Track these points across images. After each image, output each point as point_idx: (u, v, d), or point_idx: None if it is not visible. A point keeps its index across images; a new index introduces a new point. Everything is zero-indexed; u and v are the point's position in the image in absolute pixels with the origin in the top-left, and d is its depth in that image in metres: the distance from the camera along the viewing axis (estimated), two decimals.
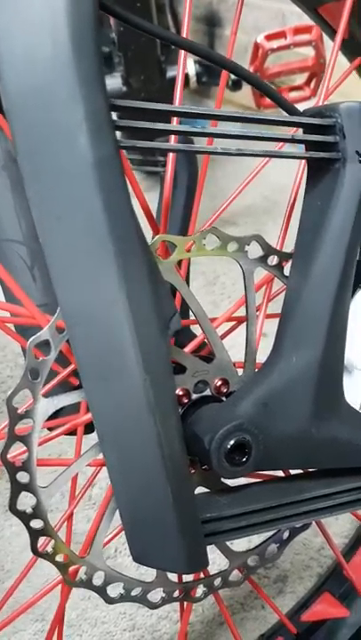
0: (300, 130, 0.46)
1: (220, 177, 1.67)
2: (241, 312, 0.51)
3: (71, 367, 0.45)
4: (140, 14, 1.32)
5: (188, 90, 1.49)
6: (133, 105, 0.36)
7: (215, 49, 2.18)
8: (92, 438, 0.46)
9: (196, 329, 0.52)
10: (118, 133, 0.36)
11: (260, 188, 1.69)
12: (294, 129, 0.48)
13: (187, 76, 1.41)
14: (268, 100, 1.15)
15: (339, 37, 0.57)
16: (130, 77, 1.36)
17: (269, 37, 1.33)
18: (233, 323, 0.53)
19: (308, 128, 0.45)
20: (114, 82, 1.36)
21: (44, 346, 0.41)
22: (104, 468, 0.43)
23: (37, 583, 0.83)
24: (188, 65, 1.38)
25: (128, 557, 0.87)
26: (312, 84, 1.43)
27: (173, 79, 1.40)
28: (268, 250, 0.49)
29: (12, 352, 1.22)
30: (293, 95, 1.43)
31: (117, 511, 0.43)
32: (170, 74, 1.39)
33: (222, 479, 0.49)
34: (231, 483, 0.48)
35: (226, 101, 2.05)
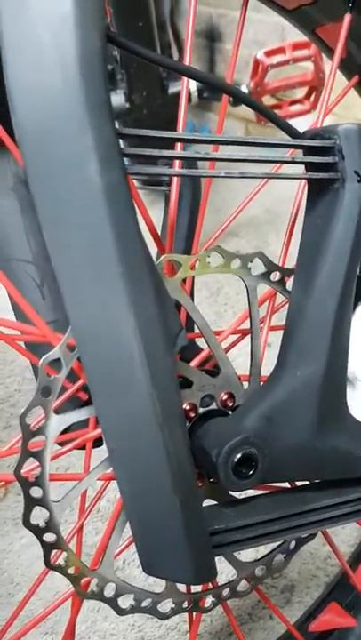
0: (300, 151, 0.47)
1: (224, 190, 1.69)
2: (245, 324, 0.52)
3: (80, 383, 0.47)
4: (141, 32, 1.35)
5: (190, 105, 1.51)
6: (140, 133, 0.38)
7: (215, 63, 2.21)
8: (102, 450, 0.47)
9: (200, 342, 0.53)
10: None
11: (262, 200, 1.70)
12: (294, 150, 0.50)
13: (189, 92, 1.43)
14: None
15: (337, 57, 0.58)
16: (132, 94, 1.39)
17: (269, 53, 1.35)
18: (237, 336, 0.54)
19: (308, 149, 0.46)
20: (117, 99, 1.39)
21: (55, 363, 0.43)
22: (113, 482, 0.44)
23: (47, 596, 0.83)
24: (190, 81, 1.41)
25: (137, 569, 0.87)
26: (312, 98, 1.45)
27: (175, 95, 1.43)
28: (271, 266, 0.50)
29: (19, 366, 1.24)
30: (294, 109, 1.45)
31: (127, 523, 0.44)
32: (171, 90, 1.42)
33: (229, 491, 0.50)
34: (238, 495, 0.49)
35: (227, 114, 2.07)
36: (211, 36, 2.17)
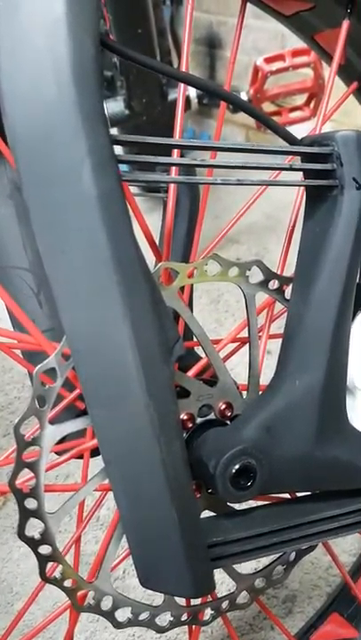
0: (298, 158, 0.47)
1: (223, 196, 1.69)
2: (244, 333, 0.51)
3: (76, 392, 0.46)
4: (141, 39, 1.36)
5: (190, 111, 1.51)
6: (135, 140, 0.37)
7: (216, 70, 2.21)
8: (100, 459, 0.46)
9: (199, 350, 0.52)
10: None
11: (262, 206, 1.70)
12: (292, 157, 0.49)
13: (188, 99, 1.43)
14: None
15: (335, 63, 0.58)
16: (132, 101, 1.39)
17: (269, 60, 1.35)
18: (236, 344, 0.53)
19: (306, 156, 0.46)
20: (116, 105, 1.39)
21: (51, 372, 0.42)
22: (111, 492, 0.44)
23: (46, 606, 0.83)
24: (189, 88, 1.41)
25: (136, 579, 0.86)
26: (312, 105, 1.45)
27: (175, 102, 1.42)
28: (269, 274, 0.49)
29: (18, 373, 1.23)
30: (294, 116, 1.45)
31: (124, 535, 0.43)
32: (171, 97, 1.42)
33: (228, 503, 0.49)
34: (237, 506, 0.49)
35: (227, 121, 2.07)
36: (211, 43, 2.18)
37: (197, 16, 2.12)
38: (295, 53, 1.34)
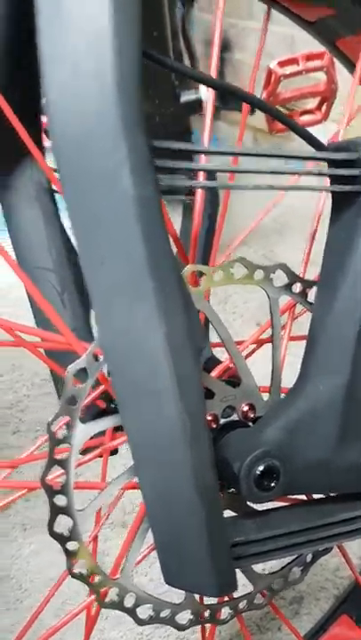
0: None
1: (235, 200, 1.69)
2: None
3: (99, 391, 0.47)
4: (156, 42, 1.35)
5: (200, 114, 1.51)
6: (172, 146, 0.38)
7: (225, 73, 2.22)
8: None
9: (217, 352, 0.53)
10: None
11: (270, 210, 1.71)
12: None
13: (200, 102, 1.44)
14: (280, 125, 1.17)
15: (358, 70, 0.59)
16: (144, 102, 1.39)
17: (282, 64, 1.35)
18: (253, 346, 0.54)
19: (332, 162, 0.47)
20: None
21: (80, 373, 0.43)
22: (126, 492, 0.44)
23: (56, 604, 0.83)
24: (201, 90, 1.41)
25: (145, 577, 0.87)
26: (323, 109, 1.45)
27: (187, 103, 1.43)
28: (293, 278, 0.50)
29: (28, 371, 1.24)
30: (305, 119, 1.45)
31: (148, 532, 0.44)
32: (183, 98, 1.42)
33: (248, 503, 0.50)
34: (256, 506, 0.49)
35: (233, 123, 2.08)
36: (221, 46, 2.18)
37: (207, 18, 2.13)
38: (309, 57, 1.34)
